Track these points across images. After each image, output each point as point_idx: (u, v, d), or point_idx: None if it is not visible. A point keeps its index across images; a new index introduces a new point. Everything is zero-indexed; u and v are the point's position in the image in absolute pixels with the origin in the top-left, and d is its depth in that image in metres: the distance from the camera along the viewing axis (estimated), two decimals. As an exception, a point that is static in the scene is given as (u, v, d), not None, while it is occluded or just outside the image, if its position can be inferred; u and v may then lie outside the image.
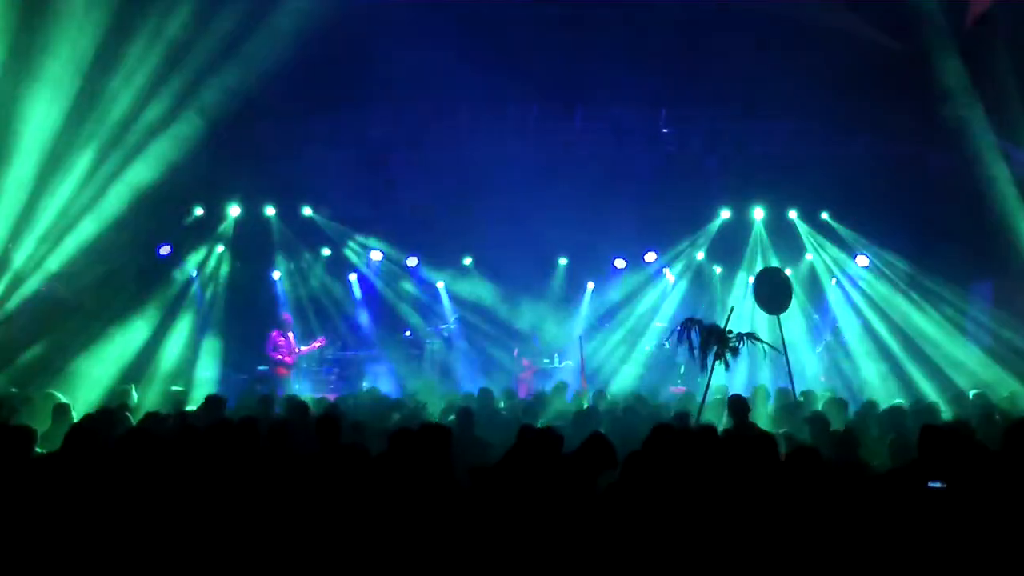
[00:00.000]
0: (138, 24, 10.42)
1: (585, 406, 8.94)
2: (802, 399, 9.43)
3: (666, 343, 14.82)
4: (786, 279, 10.15)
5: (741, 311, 13.83)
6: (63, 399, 7.63)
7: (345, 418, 6.72)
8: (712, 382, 8.45)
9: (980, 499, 4.38)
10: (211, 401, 7.87)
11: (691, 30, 11.14)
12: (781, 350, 9.08)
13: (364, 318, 15.40)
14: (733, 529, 4.32)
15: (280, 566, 4.32)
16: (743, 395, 7.73)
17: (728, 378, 10.03)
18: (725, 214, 14.66)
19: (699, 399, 8.45)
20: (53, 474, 4.65)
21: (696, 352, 7.85)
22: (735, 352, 7.90)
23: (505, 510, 4.51)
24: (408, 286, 15.59)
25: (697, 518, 4.38)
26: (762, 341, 8.30)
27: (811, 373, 13.49)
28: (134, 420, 7.22)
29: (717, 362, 7.93)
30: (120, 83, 10.63)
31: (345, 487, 4.77)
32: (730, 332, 7.97)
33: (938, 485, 4.54)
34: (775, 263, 14.80)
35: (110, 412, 7.20)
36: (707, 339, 7.86)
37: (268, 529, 4.41)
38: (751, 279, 15.00)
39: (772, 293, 9.71)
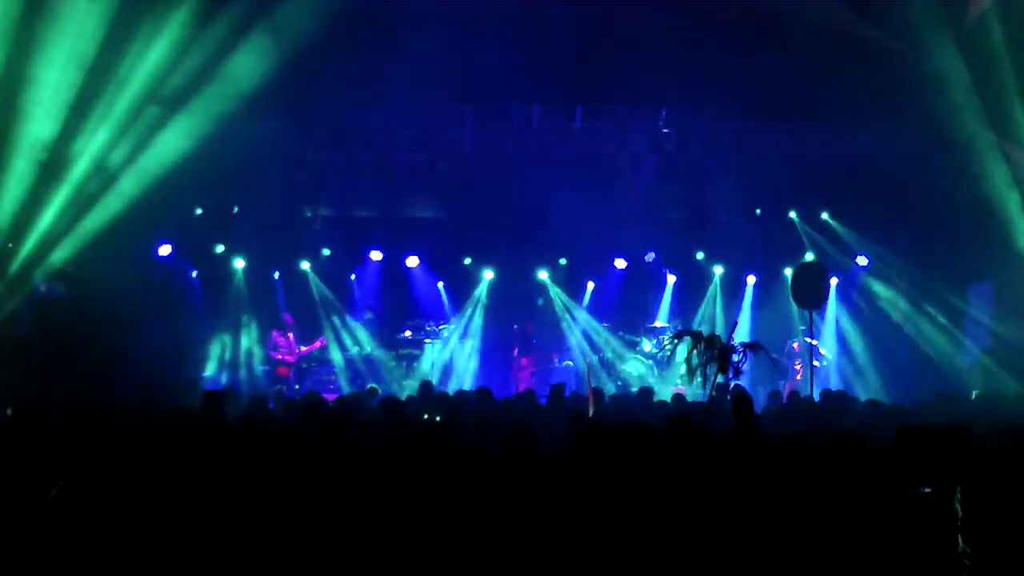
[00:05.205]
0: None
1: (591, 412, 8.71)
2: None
3: (665, 342, 14.84)
4: (822, 271, 10.01)
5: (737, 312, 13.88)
6: None
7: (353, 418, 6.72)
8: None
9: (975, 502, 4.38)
10: (208, 397, 7.84)
11: (692, 30, 11.12)
12: (782, 359, 8.95)
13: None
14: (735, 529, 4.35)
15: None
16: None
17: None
18: (724, 214, 14.64)
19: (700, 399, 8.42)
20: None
21: (697, 368, 7.51)
22: (737, 372, 7.55)
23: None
24: (408, 286, 15.57)
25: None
26: (762, 348, 7.99)
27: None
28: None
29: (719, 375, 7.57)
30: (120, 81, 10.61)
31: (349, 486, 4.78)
32: (733, 346, 7.59)
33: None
34: (775, 263, 14.82)
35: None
36: (707, 351, 7.53)
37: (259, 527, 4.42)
38: (751, 278, 15.07)
39: (810, 287, 9.65)
